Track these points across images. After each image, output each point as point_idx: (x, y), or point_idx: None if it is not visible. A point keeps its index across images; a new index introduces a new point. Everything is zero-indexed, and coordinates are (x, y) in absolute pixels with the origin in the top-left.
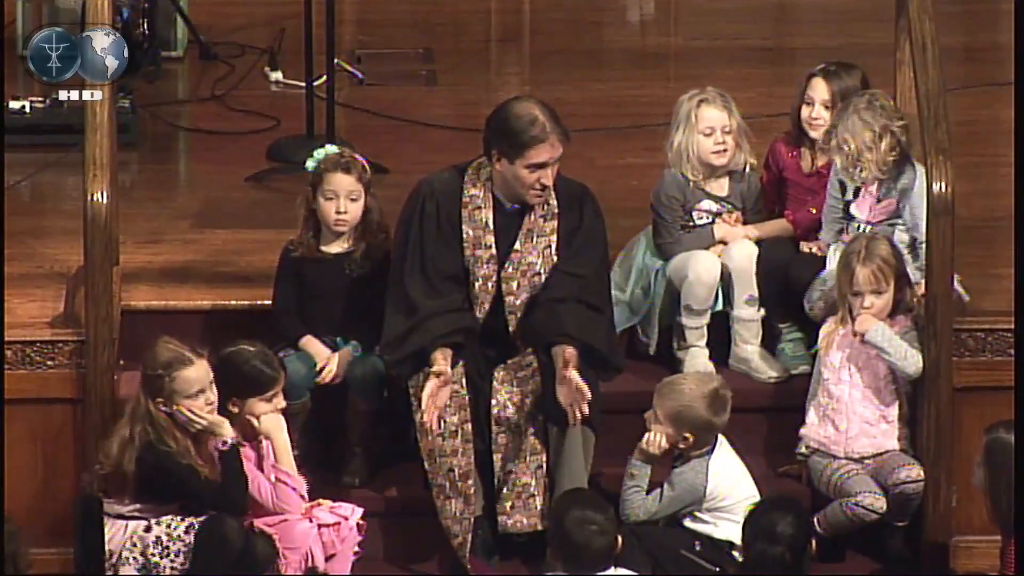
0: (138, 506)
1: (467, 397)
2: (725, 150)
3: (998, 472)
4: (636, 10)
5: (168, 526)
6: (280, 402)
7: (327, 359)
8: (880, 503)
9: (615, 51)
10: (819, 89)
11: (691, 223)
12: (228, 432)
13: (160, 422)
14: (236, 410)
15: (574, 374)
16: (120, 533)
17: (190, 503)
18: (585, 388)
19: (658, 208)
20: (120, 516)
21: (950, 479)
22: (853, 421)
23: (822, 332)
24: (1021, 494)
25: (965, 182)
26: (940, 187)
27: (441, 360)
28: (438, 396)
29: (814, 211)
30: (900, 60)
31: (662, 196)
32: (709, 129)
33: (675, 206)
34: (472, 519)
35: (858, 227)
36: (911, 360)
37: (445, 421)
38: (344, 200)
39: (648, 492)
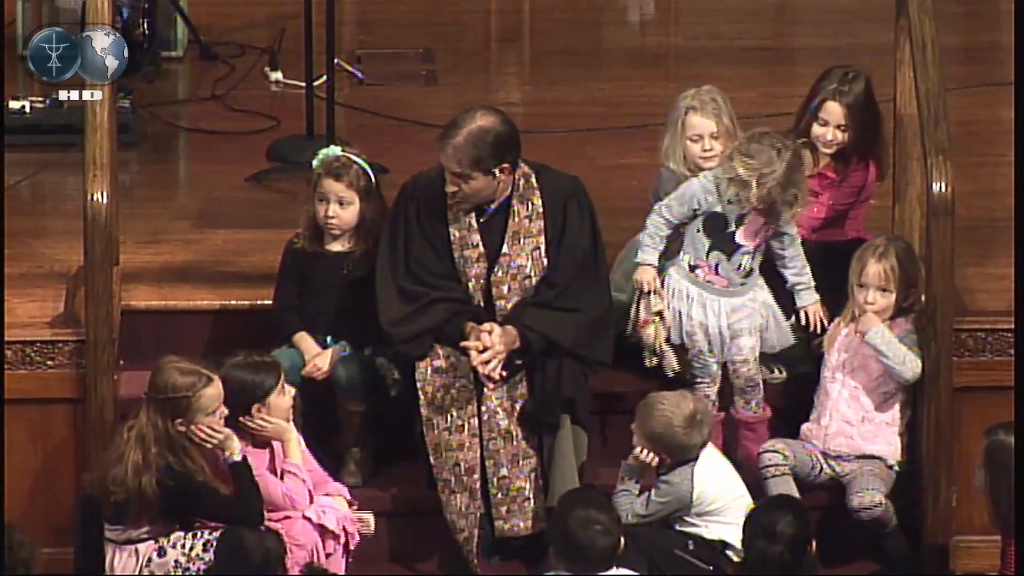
0: (146, 529)
1: (474, 392)
2: (714, 155)
3: (998, 474)
4: (636, 10)
5: (183, 546)
6: (291, 389)
7: (316, 356)
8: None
9: (615, 51)
10: (834, 113)
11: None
12: (237, 445)
13: (180, 443)
14: (264, 420)
15: (487, 338)
16: (132, 561)
17: (199, 519)
18: (486, 355)
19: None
20: (128, 541)
21: (950, 479)
22: (834, 418)
23: (829, 328)
24: (1021, 495)
25: (965, 182)
26: (940, 187)
27: (471, 326)
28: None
29: (816, 210)
30: (900, 60)
31: (660, 194)
32: (697, 136)
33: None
34: (478, 514)
35: (742, 255)
36: (908, 365)
37: (451, 415)
38: (333, 205)
39: (639, 495)
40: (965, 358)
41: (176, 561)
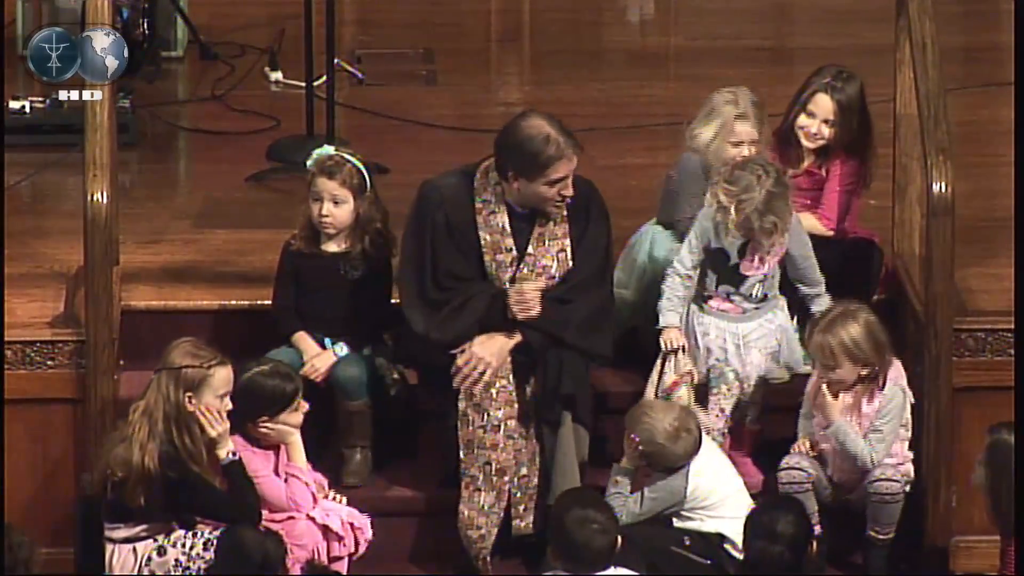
0: (144, 527)
1: (514, 393)
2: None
3: (999, 474)
4: (636, 10)
5: (183, 545)
6: (304, 406)
7: (314, 356)
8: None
9: (615, 51)
10: (823, 106)
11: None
12: (230, 445)
13: (186, 419)
14: (269, 427)
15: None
16: (131, 559)
17: (200, 517)
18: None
19: (680, 183)
20: (126, 540)
21: (950, 479)
22: (844, 470)
23: (812, 381)
24: (1021, 495)
25: (965, 182)
26: (940, 187)
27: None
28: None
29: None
30: (900, 60)
31: (684, 173)
32: (739, 142)
33: (699, 181)
34: (501, 514)
35: (753, 284)
36: (864, 461)
37: (489, 414)
38: (327, 203)
39: (632, 494)
40: (965, 358)
41: (176, 560)
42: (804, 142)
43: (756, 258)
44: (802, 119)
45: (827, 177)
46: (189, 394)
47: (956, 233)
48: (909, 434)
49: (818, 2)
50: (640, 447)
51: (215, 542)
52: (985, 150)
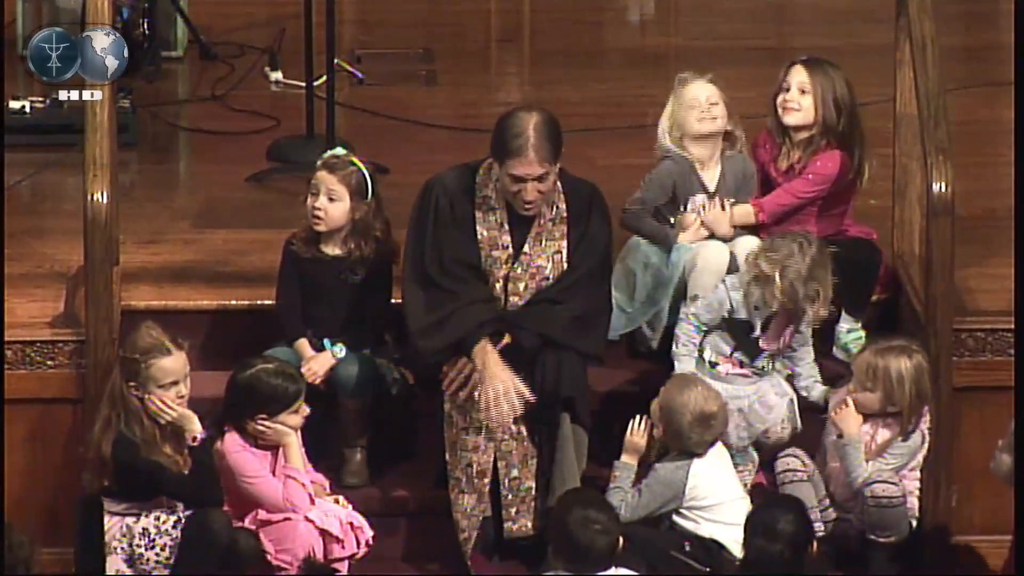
0: (127, 504)
1: None
2: (715, 118)
3: None
4: (636, 10)
5: (156, 518)
6: (305, 410)
7: (312, 359)
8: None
9: (615, 51)
10: (796, 75)
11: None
12: (196, 427)
13: (131, 406)
14: (266, 426)
15: (495, 371)
16: (115, 529)
17: (171, 498)
18: (501, 387)
19: (646, 184)
20: (113, 514)
21: (950, 479)
22: (841, 486)
23: (836, 397)
24: (1021, 496)
25: (965, 182)
26: (940, 187)
27: (488, 351)
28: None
29: (782, 198)
30: (900, 60)
31: (654, 174)
32: (698, 107)
33: (667, 184)
34: (481, 516)
35: (764, 359)
36: (855, 475)
37: (471, 416)
38: (323, 197)
39: (632, 487)
40: (965, 358)
41: (144, 529)
42: (785, 119)
43: (778, 334)
44: (780, 96)
45: (798, 173)
46: (132, 384)
47: (956, 233)
48: (918, 476)
49: (818, 2)
50: (660, 412)
51: (184, 522)
52: (985, 150)
